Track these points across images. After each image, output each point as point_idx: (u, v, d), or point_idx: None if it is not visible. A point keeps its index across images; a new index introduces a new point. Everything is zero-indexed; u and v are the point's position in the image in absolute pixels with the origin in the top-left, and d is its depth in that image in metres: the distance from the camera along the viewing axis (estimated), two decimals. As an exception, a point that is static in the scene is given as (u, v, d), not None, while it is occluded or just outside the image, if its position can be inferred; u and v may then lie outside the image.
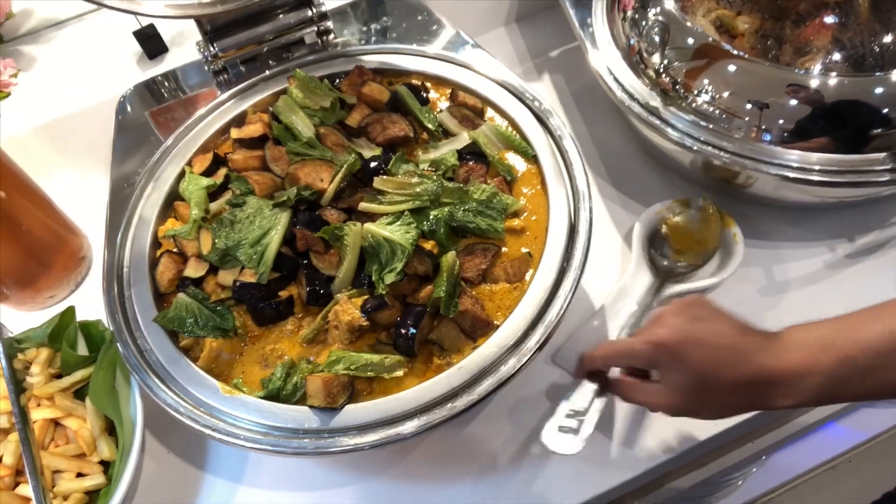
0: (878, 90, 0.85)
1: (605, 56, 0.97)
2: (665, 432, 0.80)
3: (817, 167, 0.83)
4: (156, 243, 0.89)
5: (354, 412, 0.71)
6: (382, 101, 0.94)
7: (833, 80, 0.85)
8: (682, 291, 0.85)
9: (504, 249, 0.81)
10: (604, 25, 1.01)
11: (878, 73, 0.86)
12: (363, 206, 0.82)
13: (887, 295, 0.85)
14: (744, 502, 1.67)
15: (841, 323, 0.61)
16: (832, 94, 0.85)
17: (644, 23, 0.98)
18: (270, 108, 0.95)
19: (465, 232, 0.81)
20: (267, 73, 1.02)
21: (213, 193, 0.90)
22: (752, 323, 0.64)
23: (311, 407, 0.72)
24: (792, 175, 0.82)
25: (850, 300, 0.86)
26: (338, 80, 0.99)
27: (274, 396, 0.74)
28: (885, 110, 0.83)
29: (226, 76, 1.04)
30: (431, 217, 0.80)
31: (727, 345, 0.63)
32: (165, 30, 1.15)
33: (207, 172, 0.92)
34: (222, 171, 0.92)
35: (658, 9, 0.96)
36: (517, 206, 0.83)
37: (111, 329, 0.81)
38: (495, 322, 0.75)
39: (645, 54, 0.96)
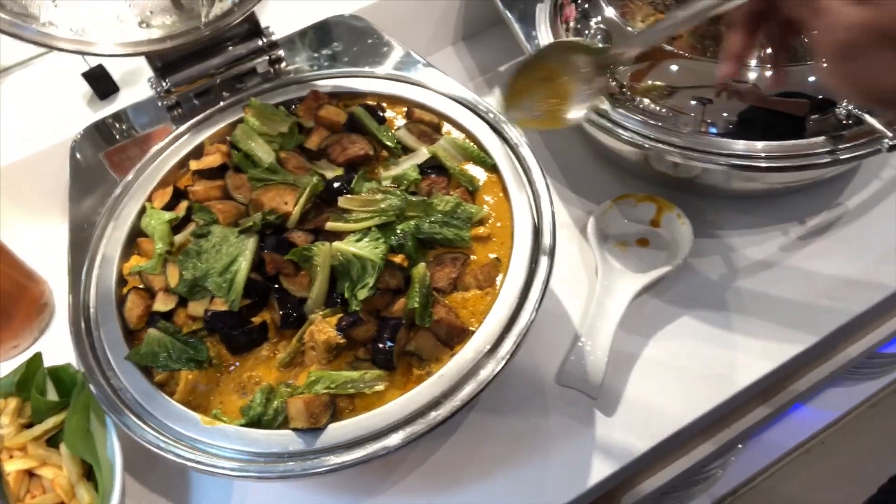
0: (811, 78, 0.89)
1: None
2: (644, 422, 0.82)
3: (763, 154, 0.87)
4: (121, 281, 0.87)
5: (338, 430, 0.71)
6: (340, 123, 0.95)
7: (768, 72, 0.90)
8: (648, 283, 0.88)
9: (473, 257, 0.82)
10: (548, 37, 1.04)
11: (809, 63, 0.91)
12: (330, 225, 0.82)
13: (842, 271, 0.90)
14: (728, 491, 1.70)
15: None
16: (768, 85, 0.90)
17: (587, 32, 1.01)
18: (228, 138, 0.95)
19: (433, 243, 0.82)
20: (221, 104, 1.02)
21: (176, 227, 0.90)
22: None
23: (294, 430, 0.72)
24: (739, 163, 0.86)
25: (809, 279, 0.90)
26: (293, 107, 1.00)
27: (255, 423, 0.73)
28: (819, 96, 0.88)
29: (180, 111, 1.04)
30: (398, 231, 0.81)
31: None
32: (115, 69, 1.14)
33: (168, 207, 0.92)
34: (183, 205, 0.92)
35: (599, 17, 0.99)
36: (481, 213, 0.84)
37: (82, 371, 0.79)
38: (470, 328, 0.76)
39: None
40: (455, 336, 0.76)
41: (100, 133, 1.07)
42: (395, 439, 0.68)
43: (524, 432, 0.83)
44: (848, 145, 0.84)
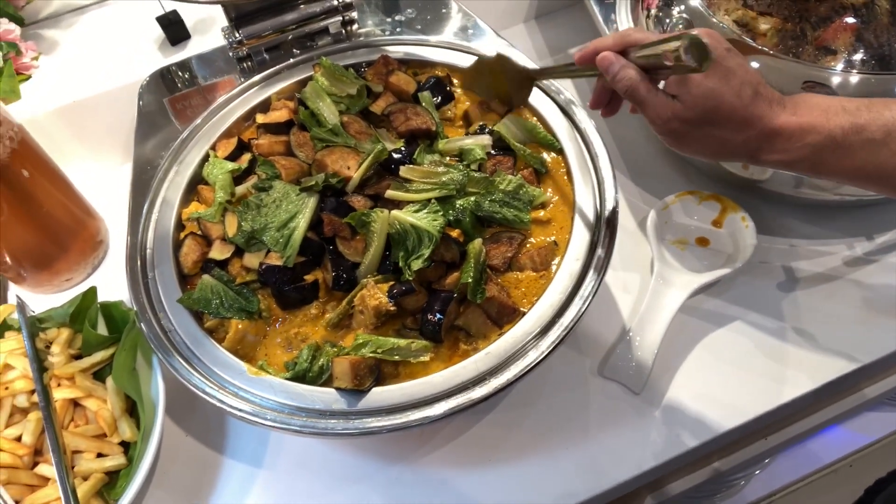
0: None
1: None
2: (684, 423, 0.80)
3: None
4: (180, 226, 0.89)
5: (381, 395, 0.71)
6: (409, 92, 0.95)
7: (854, 78, 0.86)
8: (704, 284, 0.86)
9: (531, 240, 0.81)
10: (628, 22, 1.02)
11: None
12: (390, 193, 0.82)
13: (906, 293, 0.87)
14: (747, 502, 1.67)
15: (861, 101, 0.64)
16: (852, 92, 0.86)
17: (668, 20, 0.99)
18: (297, 95, 0.95)
19: (491, 222, 0.81)
20: (291, 60, 1.02)
21: (238, 177, 0.90)
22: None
23: (337, 389, 0.72)
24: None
25: (870, 297, 0.88)
26: (363, 70, 1.00)
27: (300, 378, 0.74)
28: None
29: (249, 63, 1.05)
30: (458, 206, 0.80)
31: (752, 82, 0.64)
32: (188, 16, 1.15)
33: (231, 157, 0.93)
34: (246, 157, 0.93)
35: (683, 6, 0.97)
36: (543, 197, 0.83)
37: (135, 309, 0.81)
38: (522, 309, 0.76)
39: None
40: (505, 315, 0.75)
41: (167, 79, 1.09)
42: (437, 409, 0.68)
43: (562, 419, 0.82)
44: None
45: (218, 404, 0.73)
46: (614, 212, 0.79)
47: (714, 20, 0.93)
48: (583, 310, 0.73)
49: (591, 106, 0.78)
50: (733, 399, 0.81)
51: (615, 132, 1.08)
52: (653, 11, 1.01)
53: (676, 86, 0.66)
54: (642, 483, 0.81)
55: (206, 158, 0.94)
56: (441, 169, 0.82)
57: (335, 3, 1.03)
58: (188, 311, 0.80)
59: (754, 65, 0.89)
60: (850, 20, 0.97)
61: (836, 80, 0.87)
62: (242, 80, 1.03)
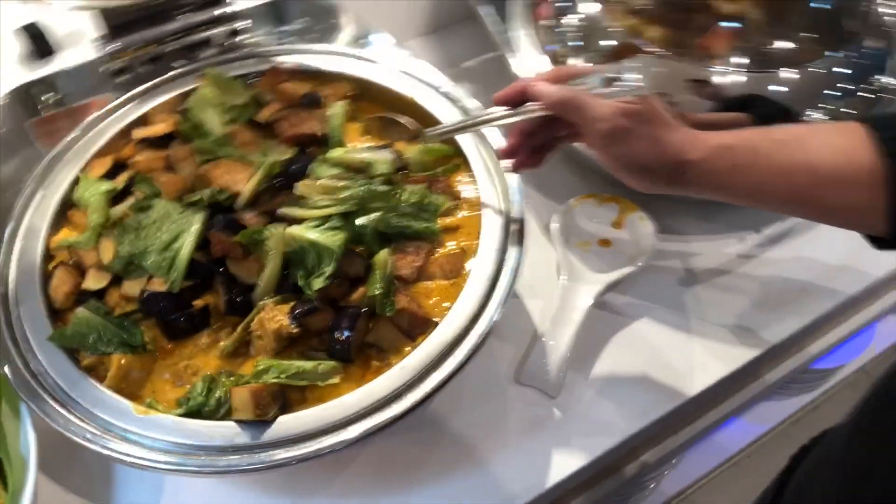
0: (771, 86, 0.91)
1: (526, 62, 0.98)
2: (602, 423, 0.80)
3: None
4: (48, 256, 0.79)
5: (289, 423, 0.65)
6: (297, 95, 0.90)
7: (731, 77, 0.91)
8: (610, 283, 0.86)
9: (439, 249, 0.78)
10: (523, 33, 1.02)
11: (770, 71, 0.93)
12: (284, 210, 0.77)
13: (796, 278, 0.91)
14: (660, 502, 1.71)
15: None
16: (731, 88, 0.90)
17: (563, 30, 1.00)
18: (181, 107, 0.88)
19: (400, 236, 0.78)
20: (172, 73, 0.95)
21: (115, 199, 0.82)
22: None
23: (237, 422, 0.66)
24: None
25: (765, 286, 0.91)
26: (251, 82, 0.94)
27: (195, 413, 0.67)
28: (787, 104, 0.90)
29: (125, 77, 0.96)
30: (360, 223, 0.76)
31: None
32: (53, 27, 1.05)
33: (107, 177, 0.84)
34: (123, 176, 0.84)
35: (578, 16, 0.99)
36: (447, 204, 0.81)
37: (-5, 352, 0.71)
38: (434, 319, 0.72)
39: (565, 59, 0.98)
40: (418, 327, 0.72)
41: (31, 96, 0.98)
42: (351, 432, 0.64)
43: (482, 431, 0.79)
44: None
45: (101, 450, 0.64)
46: (521, 212, 0.78)
47: (607, 28, 0.95)
48: (498, 313, 0.70)
49: (502, 155, 0.75)
50: (648, 394, 0.82)
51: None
52: (545, 22, 1.02)
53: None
54: (569, 487, 0.79)
55: (77, 181, 0.85)
56: (341, 184, 0.78)
57: (220, 11, 0.97)
58: (62, 349, 0.71)
59: (650, 68, 0.92)
60: (725, 27, 1.02)
61: (716, 79, 0.91)
62: (118, 95, 0.94)
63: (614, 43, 0.97)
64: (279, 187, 0.81)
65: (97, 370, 0.72)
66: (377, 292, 0.70)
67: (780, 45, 0.99)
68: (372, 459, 0.78)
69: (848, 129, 0.62)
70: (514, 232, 0.77)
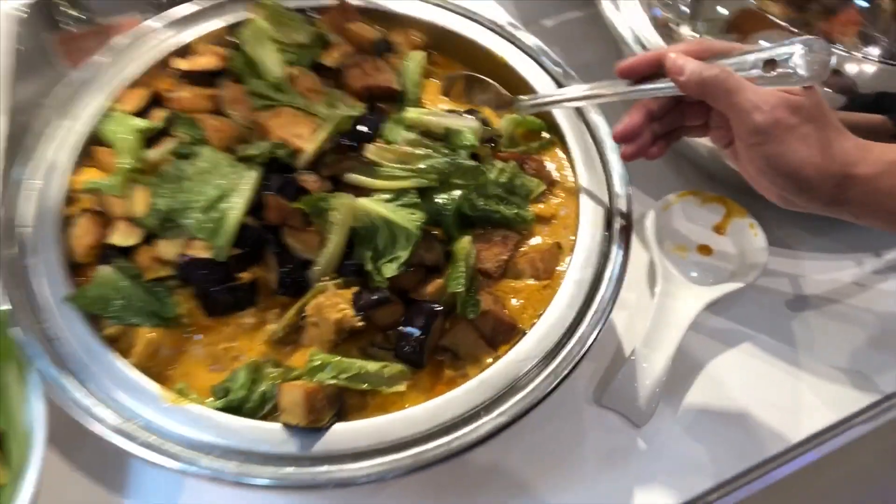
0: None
1: (630, 20, 0.85)
2: (693, 462, 0.69)
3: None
4: (69, 198, 0.68)
5: (346, 433, 0.55)
6: (370, 40, 0.77)
7: (868, 66, 0.78)
8: (715, 299, 0.75)
9: (529, 242, 0.67)
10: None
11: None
12: (353, 177, 0.65)
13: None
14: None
15: None
16: (864, 81, 0.78)
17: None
18: (229, 38, 0.75)
19: (484, 222, 0.66)
20: (220, -1, 0.81)
21: (149, 141, 0.70)
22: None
23: (285, 425, 0.55)
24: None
25: (883, 323, 0.80)
26: (311, 17, 0.81)
27: (235, 409, 0.57)
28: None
29: (165, -1, 0.83)
30: (440, 201, 0.64)
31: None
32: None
33: (141, 114, 0.72)
34: (161, 114, 0.72)
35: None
36: (542, 188, 0.69)
37: (6, 308, 0.60)
38: (521, 326, 0.61)
39: (673, 25, 0.85)
40: (502, 334, 0.61)
41: (51, 11, 0.86)
42: (429, 453, 0.53)
43: (554, 457, 0.69)
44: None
45: (122, 443, 0.54)
46: (628, 206, 0.66)
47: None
48: (599, 328, 0.59)
49: (619, 137, 0.61)
50: (747, 435, 0.71)
51: (609, 121, 0.95)
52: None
53: None
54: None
55: (106, 113, 0.72)
56: (420, 151, 0.66)
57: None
58: (81, 312, 0.60)
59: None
60: (855, 13, 0.90)
61: (849, 67, 0.78)
62: (155, 17, 0.81)
63: (725, 10, 0.84)
64: (347, 148, 0.68)
65: (120, 342, 0.61)
66: (459, 288, 0.59)
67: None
68: (415, 482, 0.67)
69: None
70: (619, 230, 0.65)
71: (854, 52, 0.81)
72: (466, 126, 0.69)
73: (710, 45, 0.58)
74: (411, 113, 0.71)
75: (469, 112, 0.72)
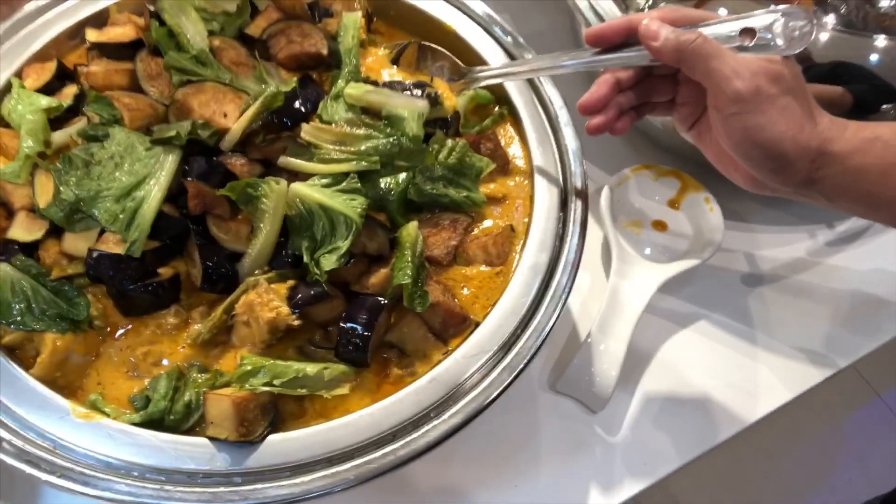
0: (873, 56, 0.77)
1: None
2: (652, 448, 0.67)
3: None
4: (-40, 188, 0.60)
5: (283, 445, 0.50)
6: (301, 5, 0.70)
7: (825, 35, 0.75)
8: (671, 278, 0.72)
9: (479, 225, 0.62)
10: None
11: (873, 35, 0.78)
12: (286, 160, 0.59)
13: (871, 291, 0.79)
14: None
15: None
16: (823, 50, 0.75)
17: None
18: (149, 6, 0.67)
19: (431, 206, 0.61)
20: (138, -39, 0.73)
21: (56, 120, 0.62)
22: None
23: (212, 439, 0.50)
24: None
25: (837, 297, 0.79)
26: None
27: (157, 423, 0.51)
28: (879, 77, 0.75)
29: (73, -41, 0.75)
30: (384, 185, 0.59)
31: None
32: None
33: (48, 90, 0.65)
34: (70, 90, 0.65)
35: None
36: (491, 167, 0.64)
37: None
38: (474, 318, 0.57)
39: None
40: (453, 327, 0.56)
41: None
42: (369, 465, 0.49)
43: (509, 448, 0.66)
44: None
45: (25, 468, 0.48)
46: (584, 185, 0.62)
47: None
48: (556, 316, 0.55)
49: (584, 110, 0.56)
50: (706, 417, 0.69)
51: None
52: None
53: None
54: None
55: (7, 90, 0.64)
56: (361, 131, 0.60)
57: None
58: (-26, 320, 0.53)
59: (724, 10, 0.76)
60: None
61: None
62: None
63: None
64: (279, 128, 0.62)
65: (23, 350, 0.55)
66: (406, 279, 0.54)
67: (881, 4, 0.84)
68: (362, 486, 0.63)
69: None
70: (576, 210, 0.61)
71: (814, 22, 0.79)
72: (411, 108, 0.63)
73: (685, 13, 0.54)
74: (352, 89, 0.64)
75: (419, 85, 0.66)
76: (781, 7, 0.50)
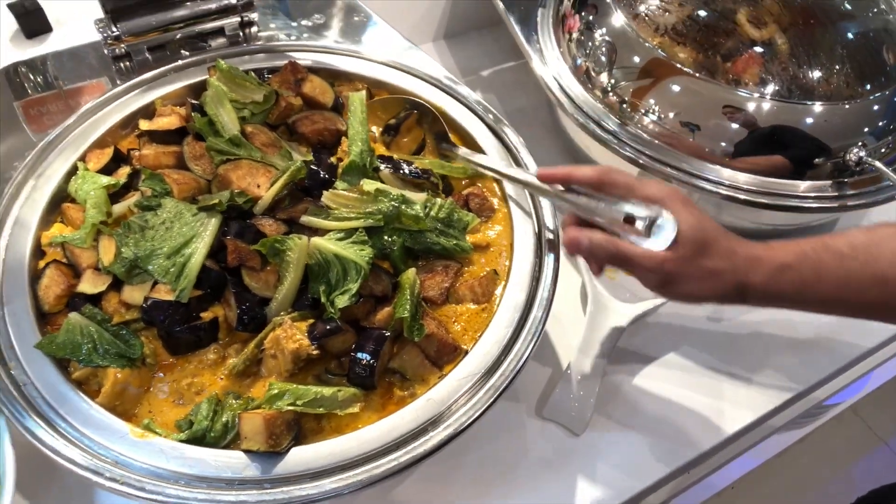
0: (808, 119, 0.88)
1: (555, 70, 0.94)
2: (628, 465, 0.75)
3: (760, 190, 0.84)
4: (38, 252, 0.72)
5: (304, 455, 0.60)
6: (325, 104, 0.84)
7: (767, 104, 0.88)
8: (642, 314, 0.82)
9: (467, 269, 0.73)
10: (552, 44, 0.98)
11: (807, 103, 0.90)
12: (306, 219, 0.71)
13: (828, 320, 0.88)
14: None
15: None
16: (766, 116, 0.88)
17: (590, 43, 0.96)
18: (190, 100, 0.82)
19: (427, 254, 0.73)
20: (179, 62, 0.88)
21: (114, 195, 0.75)
22: None
23: (246, 452, 0.60)
24: (729, 194, 0.83)
25: (795, 326, 0.88)
26: (266, 78, 0.88)
27: (199, 439, 0.61)
28: (822, 140, 0.87)
29: (128, 64, 0.90)
30: (386, 239, 0.71)
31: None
32: (51, 5, 0.98)
33: (106, 171, 0.78)
34: (124, 170, 0.78)
35: (605, 29, 0.95)
36: (476, 221, 0.76)
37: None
38: (463, 347, 0.67)
39: (593, 73, 0.94)
40: (446, 355, 0.67)
41: (19, 78, 0.91)
42: (382, 468, 0.58)
43: (500, 469, 0.74)
44: (855, 192, 0.83)
45: (92, 477, 0.58)
46: (556, 236, 0.73)
47: (643, 43, 0.91)
48: (533, 345, 0.65)
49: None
50: (677, 437, 0.78)
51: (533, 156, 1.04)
52: (574, 35, 0.98)
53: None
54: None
55: (72, 172, 0.78)
56: (368, 197, 0.72)
57: (233, 1, 0.91)
58: (50, 358, 0.64)
59: (677, 87, 0.89)
60: (756, 53, 0.99)
61: (751, 106, 0.88)
62: (119, 82, 0.87)
63: (638, 59, 0.94)
64: (301, 193, 0.75)
65: (89, 383, 0.65)
66: (405, 314, 0.65)
67: (814, 75, 0.96)
68: (375, 499, 0.72)
69: None
70: (549, 257, 0.72)
71: (754, 92, 0.91)
72: (418, 199, 0.74)
73: (609, 177, 0.64)
74: (367, 185, 0.74)
75: (424, 173, 0.78)
76: (658, 208, 0.60)
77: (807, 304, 0.62)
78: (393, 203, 0.71)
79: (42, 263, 0.71)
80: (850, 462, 1.94)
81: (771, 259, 0.60)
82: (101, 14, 0.86)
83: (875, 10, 1.03)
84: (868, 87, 0.95)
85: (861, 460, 1.95)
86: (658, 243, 0.59)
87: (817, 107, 0.91)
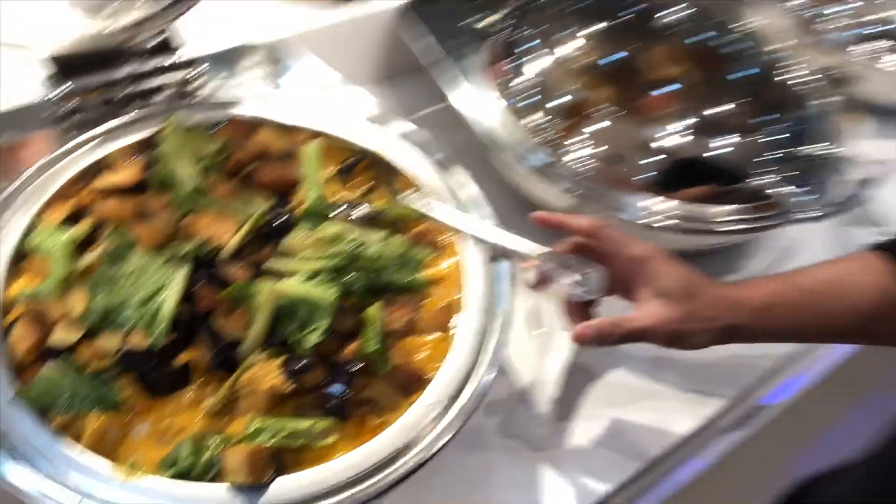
0: (717, 148, 1.00)
1: (486, 107, 1.03)
2: (594, 473, 0.82)
3: (674, 214, 0.94)
4: (6, 309, 0.73)
5: (287, 485, 0.63)
6: (277, 154, 0.89)
7: (685, 139, 1.00)
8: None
9: (427, 301, 0.79)
10: (482, 83, 1.06)
11: (714, 136, 1.01)
12: (272, 265, 0.76)
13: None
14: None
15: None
16: (681, 150, 1.00)
17: (519, 87, 1.05)
18: (146, 153, 0.85)
19: (388, 289, 0.78)
20: (126, 118, 0.90)
21: (80, 245, 0.77)
22: None
23: (230, 485, 0.63)
24: (648, 222, 0.92)
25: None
26: (216, 130, 0.92)
27: (184, 475, 0.64)
28: (731, 169, 0.98)
29: (74, 120, 0.92)
30: (349, 277, 0.76)
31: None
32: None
33: (66, 224, 0.80)
34: (85, 224, 0.80)
35: (533, 73, 1.04)
36: (430, 257, 0.82)
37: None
38: (429, 375, 0.73)
39: (522, 112, 1.03)
40: (413, 383, 0.72)
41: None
42: (367, 490, 0.63)
43: (466, 491, 0.79)
44: (762, 215, 0.93)
45: (84, 524, 0.60)
46: (510, 266, 0.80)
47: (567, 83, 1.01)
48: (494, 370, 0.71)
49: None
50: (629, 441, 0.85)
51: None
52: (502, 80, 1.07)
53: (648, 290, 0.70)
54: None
55: (31, 228, 0.79)
56: (329, 239, 0.78)
57: (171, 60, 0.95)
58: (29, 408, 0.66)
59: (600, 124, 0.99)
60: (666, 90, 1.11)
61: (669, 140, 0.99)
62: (66, 136, 0.89)
63: (567, 99, 1.05)
64: (264, 239, 0.79)
65: (72, 428, 0.67)
66: (372, 349, 0.70)
67: (721, 108, 1.08)
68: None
69: (872, 265, 0.70)
70: (503, 286, 0.78)
71: (670, 127, 1.02)
72: (371, 238, 0.80)
73: (600, 232, 0.73)
74: (321, 232, 0.79)
75: (376, 215, 0.84)
76: (594, 266, 0.71)
77: (791, 337, 0.73)
78: (351, 244, 0.77)
79: (10, 318, 0.73)
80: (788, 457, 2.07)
81: (750, 301, 0.69)
82: (46, 74, 0.88)
83: (764, 48, 1.17)
84: (766, 118, 1.08)
85: (800, 456, 2.09)
86: (590, 292, 0.70)
87: (724, 139, 1.03)
